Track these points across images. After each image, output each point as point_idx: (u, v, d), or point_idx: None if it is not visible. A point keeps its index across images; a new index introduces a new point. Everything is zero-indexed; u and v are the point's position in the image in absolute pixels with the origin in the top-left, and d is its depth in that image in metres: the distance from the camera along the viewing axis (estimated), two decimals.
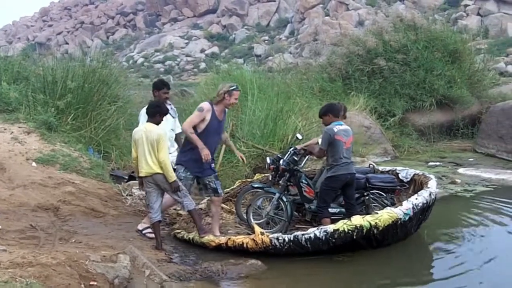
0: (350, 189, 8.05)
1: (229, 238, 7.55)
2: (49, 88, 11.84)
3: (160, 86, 8.87)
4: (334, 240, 7.19)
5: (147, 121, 7.50)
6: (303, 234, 7.25)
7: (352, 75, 17.77)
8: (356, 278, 7.04)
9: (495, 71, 23.37)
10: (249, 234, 7.81)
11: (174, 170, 7.70)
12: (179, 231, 8.28)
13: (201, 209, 9.19)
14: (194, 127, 7.70)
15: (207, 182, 7.95)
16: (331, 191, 7.98)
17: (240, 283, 6.75)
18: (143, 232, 7.92)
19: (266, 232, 7.57)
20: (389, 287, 6.79)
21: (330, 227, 7.22)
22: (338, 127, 7.89)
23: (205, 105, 7.83)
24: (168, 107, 8.56)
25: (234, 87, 7.92)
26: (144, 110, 8.18)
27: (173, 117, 8.85)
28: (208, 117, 7.75)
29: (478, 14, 51.55)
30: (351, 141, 8.07)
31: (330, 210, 8.14)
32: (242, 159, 8.76)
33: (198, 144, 7.57)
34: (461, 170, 13.51)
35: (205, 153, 7.54)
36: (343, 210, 8.26)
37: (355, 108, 15.75)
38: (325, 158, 8.55)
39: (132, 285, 5.99)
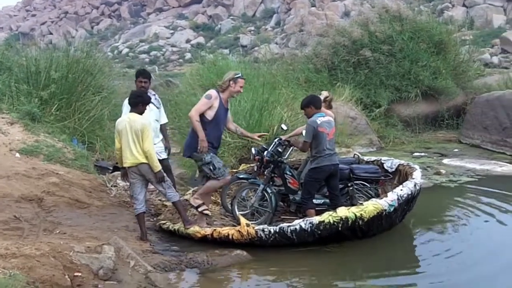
0: (334, 180, 8.06)
1: (215, 230, 7.54)
2: (32, 79, 11.75)
3: (136, 74, 8.81)
4: (319, 232, 7.20)
5: (130, 111, 7.46)
6: (288, 226, 7.26)
7: (338, 66, 17.75)
8: (342, 268, 7.06)
9: (480, 62, 23.42)
10: (235, 226, 7.82)
11: (160, 161, 7.69)
12: (164, 222, 8.26)
13: (186, 200, 9.17)
14: (202, 115, 7.69)
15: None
16: (315, 182, 7.99)
17: (226, 274, 6.75)
18: (199, 209, 7.87)
19: (251, 223, 7.58)
20: (374, 278, 6.81)
21: (316, 219, 7.24)
22: (321, 118, 7.87)
23: (212, 92, 7.83)
24: (152, 97, 8.50)
25: (239, 74, 7.99)
26: (127, 101, 8.13)
27: (157, 108, 8.78)
28: (216, 104, 7.76)
29: (464, 5, 51.57)
30: (334, 132, 8.07)
31: (315, 201, 8.16)
32: (260, 136, 8.77)
33: (200, 135, 7.58)
34: (446, 161, 13.58)
35: (203, 145, 7.58)
36: (328, 201, 8.29)
37: (341, 99, 15.73)
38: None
39: (117, 276, 5.98)
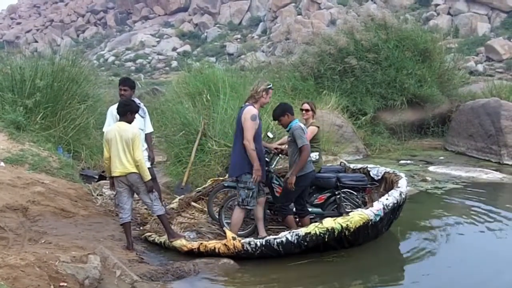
0: (307, 188, 8.01)
1: (201, 243, 7.48)
2: (17, 87, 11.68)
3: (118, 83, 8.73)
4: (306, 243, 7.18)
5: (119, 120, 7.42)
6: (275, 239, 7.23)
7: (324, 74, 17.85)
8: (329, 279, 7.00)
9: (465, 70, 23.67)
10: (221, 234, 7.79)
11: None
12: (150, 234, 8.18)
13: (172, 208, 9.14)
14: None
15: (261, 186, 8.01)
16: (299, 190, 7.80)
17: (212, 283, 6.71)
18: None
19: (239, 233, 7.59)
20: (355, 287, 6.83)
21: (302, 231, 7.21)
22: (301, 124, 7.77)
23: (254, 110, 7.60)
24: None
25: (271, 85, 7.86)
26: (111, 109, 8.10)
27: (142, 117, 8.70)
28: (258, 120, 7.64)
29: (449, 13, 52.07)
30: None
31: None
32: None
33: (255, 165, 7.48)
34: (431, 168, 13.66)
35: (258, 174, 7.51)
36: (316, 210, 8.29)
37: (327, 107, 15.80)
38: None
39: (103, 286, 5.92)
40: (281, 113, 7.81)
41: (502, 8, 49.75)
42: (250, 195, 7.64)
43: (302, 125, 7.82)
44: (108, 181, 7.95)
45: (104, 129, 8.21)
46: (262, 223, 8.01)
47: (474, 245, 8.12)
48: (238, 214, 7.80)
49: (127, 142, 7.20)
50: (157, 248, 7.90)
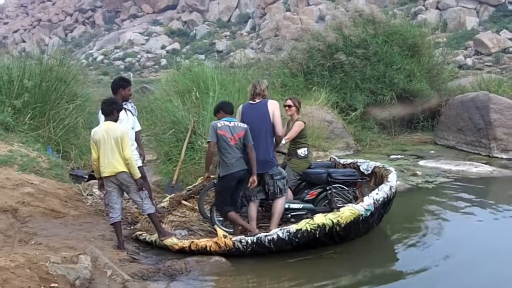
0: (241, 185, 7.85)
1: (192, 242, 7.46)
2: (5, 88, 11.62)
3: (124, 84, 8.61)
4: (297, 240, 7.19)
5: (105, 120, 7.38)
6: (266, 236, 7.23)
7: (313, 70, 17.83)
8: (322, 276, 6.97)
9: (454, 64, 23.71)
10: (213, 231, 7.79)
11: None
12: (141, 232, 8.15)
13: (163, 207, 9.12)
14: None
15: None
16: (227, 190, 7.74)
17: (204, 281, 6.71)
18: None
19: (229, 231, 7.62)
20: (348, 283, 6.82)
21: (293, 227, 7.22)
22: (224, 122, 7.67)
23: None
24: (129, 105, 8.44)
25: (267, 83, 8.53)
26: None
27: (133, 115, 8.67)
28: None
29: (437, 8, 52.07)
30: (241, 136, 7.68)
31: (293, 206, 8.19)
32: None
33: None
34: (422, 163, 13.70)
35: None
36: (307, 205, 8.27)
37: (317, 103, 15.80)
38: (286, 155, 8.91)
39: (94, 286, 5.92)
40: (216, 110, 8.11)
41: (490, 2, 49.86)
42: (286, 182, 8.04)
43: (231, 124, 7.70)
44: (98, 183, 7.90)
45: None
46: (255, 223, 8.01)
47: (465, 238, 8.15)
48: (281, 202, 8.01)
49: (116, 141, 7.16)
50: (148, 247, 7.88)
